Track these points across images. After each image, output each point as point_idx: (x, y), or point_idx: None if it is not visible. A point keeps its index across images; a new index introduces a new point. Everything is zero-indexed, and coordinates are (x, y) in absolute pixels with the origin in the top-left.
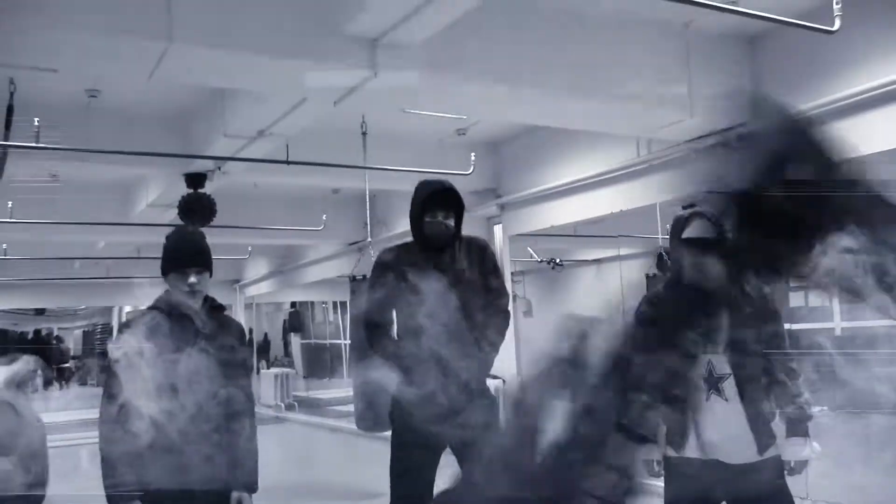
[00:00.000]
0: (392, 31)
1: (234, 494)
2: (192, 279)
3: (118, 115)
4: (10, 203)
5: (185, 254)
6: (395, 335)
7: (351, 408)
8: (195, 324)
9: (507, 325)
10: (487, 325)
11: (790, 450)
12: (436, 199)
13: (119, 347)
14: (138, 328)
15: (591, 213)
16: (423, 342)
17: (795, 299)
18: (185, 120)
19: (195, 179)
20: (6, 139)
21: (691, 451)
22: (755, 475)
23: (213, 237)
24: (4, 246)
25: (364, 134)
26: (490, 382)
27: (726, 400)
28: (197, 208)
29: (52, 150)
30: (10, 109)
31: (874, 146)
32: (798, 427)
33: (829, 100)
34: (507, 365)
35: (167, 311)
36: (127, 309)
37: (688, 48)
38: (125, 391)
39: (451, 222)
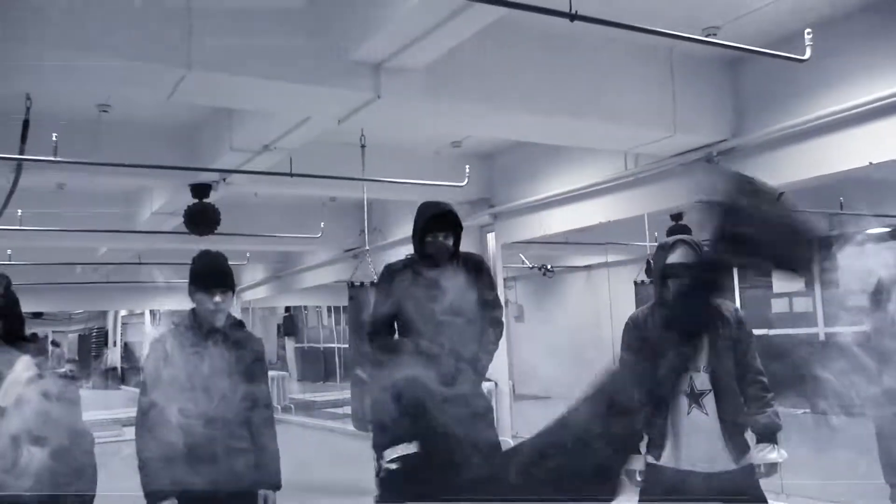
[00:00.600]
0: (395, 56)
1: (261, 492)
2: (217, 298)
3: (128, 129)
4: (19, 211)
5: (210, 276)
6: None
7: (346, 410)
8: (219, 338)
9: (501, 334)
10: (483, 334)
11: (760, 455)
12: (436, 221)
13: (150, 359)
14: (167, 342)
15: (581, 222)
16: (423, 347)
17: (779, 305)
18: (192, 133)
19: (200, 190)
20: (22, 152)
21: (666, 459)
22: (731, 482)
23: (213, 244)
24: (9, 252)
25: (363, 146)
26: (484, 385)
27: (706, 414)
28: (202, 218)
29: (68, 163)
30: (25, 124)
31: (846, 163)
32: (768, 435)
33: (805, 119)
34: (500, 369)
35: (193, 326)
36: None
37: (672, 71)
38: (157, 399)
39: (451, 241)
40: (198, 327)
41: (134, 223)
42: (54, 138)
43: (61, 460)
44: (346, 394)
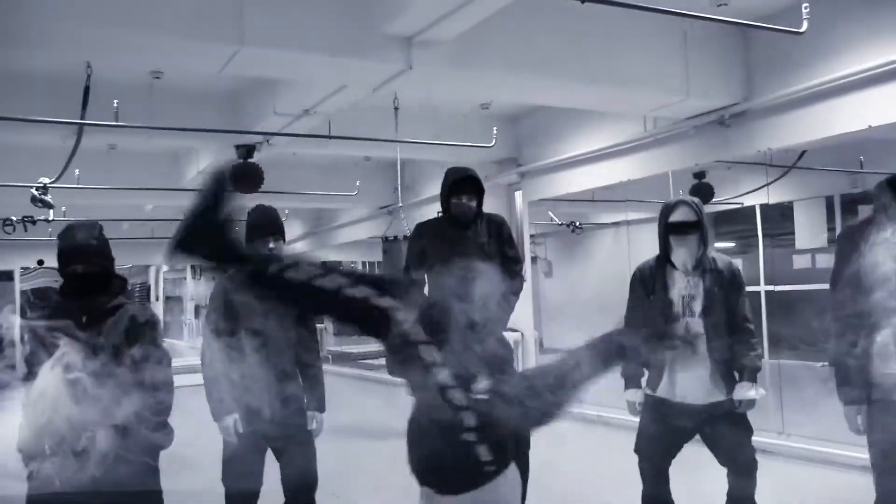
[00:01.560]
0: (425, 31)
1: (309, 413)
2: (272, 245)
3: (179, 94)
4: (77, 171)
5: (265, 225)
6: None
7: (380, 361)
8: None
9: (522, 287)
10: (504, 286)
11: (740, 391)
12: (460, 185)
13: (214, 299)
14: (227, 282)
15: (603, 181)
16: (450, 298)
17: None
18: (238, 99)
19: (245, 150)
20: (83, 117)
21: (662, 392)
22: (720, 412)
23: (256, 201)
24: (64, 209)
25: (396, 109)
26: (509, 335)
27: (698, 354)
28: (247, 177)
29: (126, 127)
30: (86, 90)
31: (848, 126)
32: (750, 374)
33: (809, 84)
34: (525, 321)
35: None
36: None
37: (685, 38)
38: (222, 333)
39: (474, 203)
40: None
41: (180, 182)
42: (115, 104)
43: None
44: (375, 347)
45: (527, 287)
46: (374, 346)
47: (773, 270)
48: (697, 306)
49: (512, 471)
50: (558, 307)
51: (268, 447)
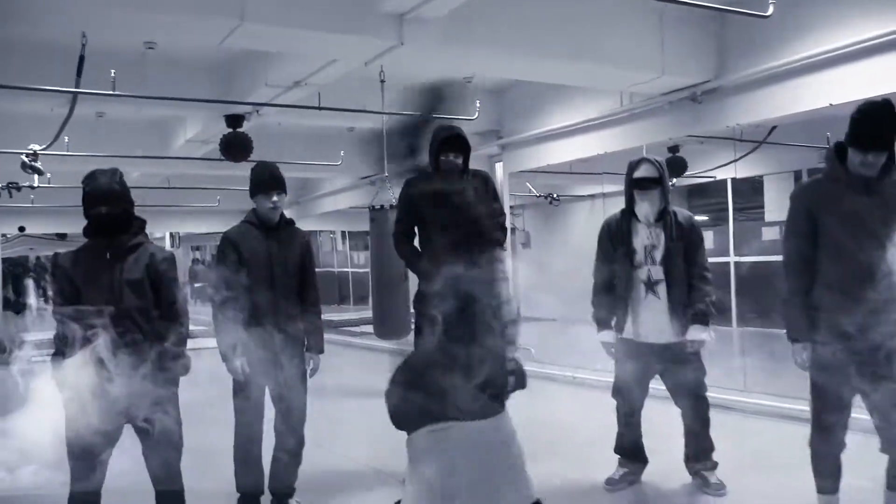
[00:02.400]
0: (416, 8)
1: (307, 355)
2: (275, 198)
3: (171, 65)
4: (66, 138)
5: (268, 181)
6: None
7: (362, 329)
8: (274, 231)
9: (506, 237)
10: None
11: (692, 332)
12: (448, 142)
13: (222, 246)
14: (233, 235)
15: (580, 154)
16: (440, 249)
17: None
18: (230, 70)
19: (235, 120)
20: (77, 86)
21: (627, 333)
22: (677, 350)
23: (239, 170)
24: (49, 176)
25: (382, 82)
26: None
27: (659, 298)
28: (238, 146)
29: (121, 96)
30: (81, 60)
31: (810, 104)
32: (701, 318)
33: (776, 64)
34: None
35: (255, 222)
36: None
37: (661, 18)
38: (228, 281)
39: (460, 160)
40: (258, 223)
41: (167, 150)
42: (112, 74)
43: None
44: (360, 315)
45: (507, 259)
46: (353, 314)
47: (743, 242)
48: (658, 255)
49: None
50: (535, 277)
51: (266, 385)
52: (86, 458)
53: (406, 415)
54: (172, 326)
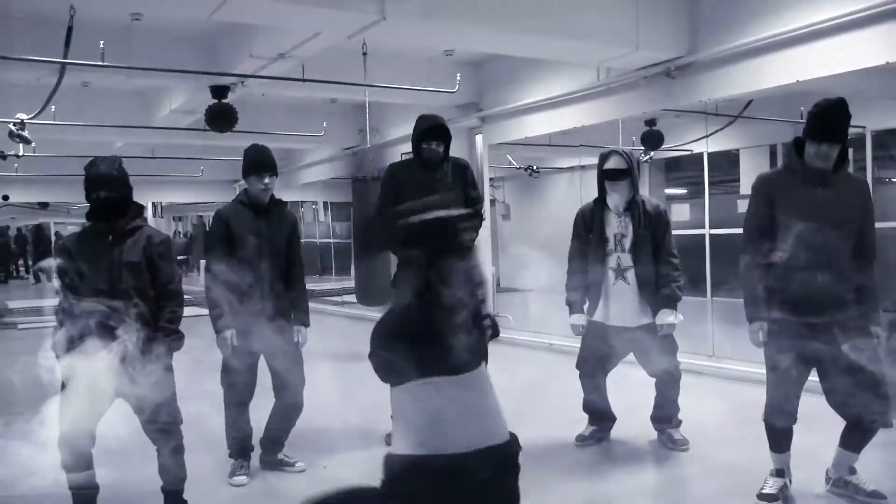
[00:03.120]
0: None
1: (295, 327)
2: (266, 180)
3: (157, 36)
4: (53, 107)
5: (261, 162)
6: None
7: (344, 298)
8: (265, 211)
9: (482, 223)
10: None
11: (661, 316)
12: (431, 132)
13: (215, 224)
14: (225, 214)
15: (559, 126)
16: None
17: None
18: (215, 41)
19: (220, 91)
20: (65, 56)
21: (598, 316)
22: (648, 333)
23: (229, 141)
24: (34, 144)
25: (365, 54)
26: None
27: (628, 284)
28: (223, 117)
29: (111, 67)
30: (69, 31)
31: (777, 81)
32: (670, 303)
33: (746, 41)
34: (484, 259)
35: (246, 202)
36: None
37: None
38: (218, 255)
39: (442, 149)
40: (249, 203)
41: (152, 120)
42: (101, 45)
43: None
44: (342, 285)
45: (485, 228)
46: (335, 284)
47: (718, 214)
48: (627, 243)
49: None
50: (515, 248)
51: (260, 356)
52: (78, 425)
53: (389, 368)
54: (168, 305)
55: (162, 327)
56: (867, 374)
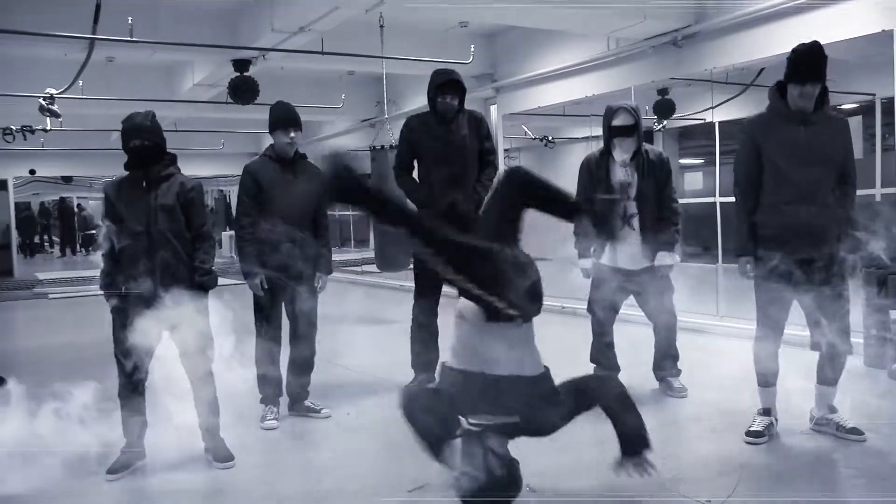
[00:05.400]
0: None
1: (317, 274)
2: (292, 134)
3: (181, 11)
4: (80, 82)
5: (287, 118)
6: (417, 177)
7: (364, 268)
8: (290, 165)
9: (496, 173)
10: (481, 173)
11: (660, 257)
12: (445, 86)
13: (245, 176)
14: (253, 167)
15: (571, 96)
16: (435, 180)
17: None
18: (237, 16)
19: (242, 64)
20: (94, 32)
21: (605, 260)
22: (650, 274)
23: (250, 113)
24: (60, 119)
25: (381, 27)
26: None
27: (633, 230)
28: (245, 89)
29: (140, 42)
30: (98, 7)
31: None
32: (668, 246)
33: (752, 10)
34: None
35: (273, 156)
36: None
37: None
38: (249, 206)
39: (456, 102)
40: (276, 157)
41: (175, 94)
42: (130, 21)
43: None
44: (362, 255)
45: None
46: (354, 255)
47: (730, 183)
48: (632, 191)
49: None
50: (531, 220)
51: (283, 301)
52: (131, 356)
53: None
54: (202, 247)
55: (197, 267)
56: (835, 303)
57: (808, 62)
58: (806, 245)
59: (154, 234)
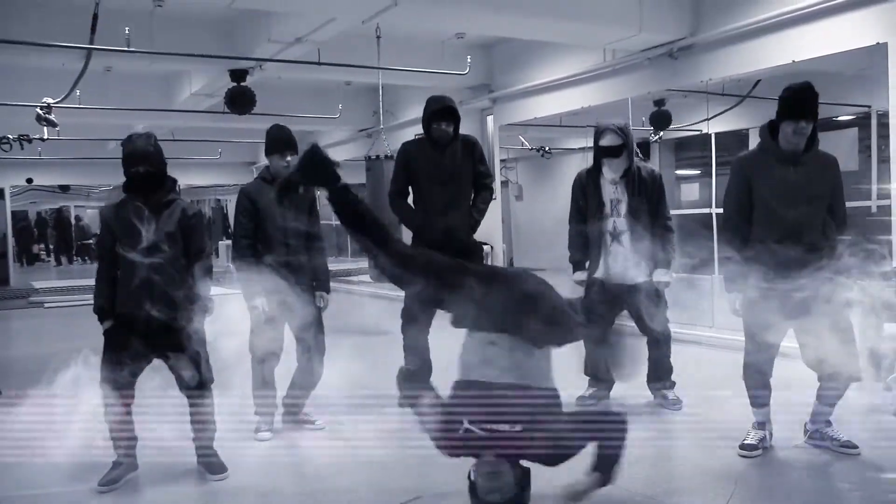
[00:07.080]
0: None
1: (318, 293)
2: (289, 158)
3: (178, 21)
4: (78, 91)
5: (283, 142)
6: (411, 203)
7: (360, 278)
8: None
9: (491, 197)
10: (476, 197)
11: (656, 275)
12: (440, 113)
13: (241, 196)
14: (249, 190)
15: (568, 107)
16: (430, 205)
17: None
18: (234, 26)
19: (239, 74)
20: (91, 42)
21: (598, 275)
22: (643, 290)
23: (247, 123)
24: (58, 128)
25: (378, 38)
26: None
27: (623, 247)
28: (242, 99)
29: (136, 52)
30: (95, 17)
31: (776, 61)
32: (664, 263)
33: (745, 23)
34: (495, 236)
35: (269, 179)
36: None
37: None
38: (244, 229)
39: (451, 128)
40: (271, 179)
41: (172, 104)
42: (127, 31)
43: None
44: (357, 265)
45: (497, 209)
46: (350, 265)
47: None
48: (623, 209)
49: None
50: (528, 229)
51: (285, 322)
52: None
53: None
54: (199, 272)
55: (194, 292)
56: (836, 335)
57: (802, 99)
58: (795, 282)
59: (153, 260)
